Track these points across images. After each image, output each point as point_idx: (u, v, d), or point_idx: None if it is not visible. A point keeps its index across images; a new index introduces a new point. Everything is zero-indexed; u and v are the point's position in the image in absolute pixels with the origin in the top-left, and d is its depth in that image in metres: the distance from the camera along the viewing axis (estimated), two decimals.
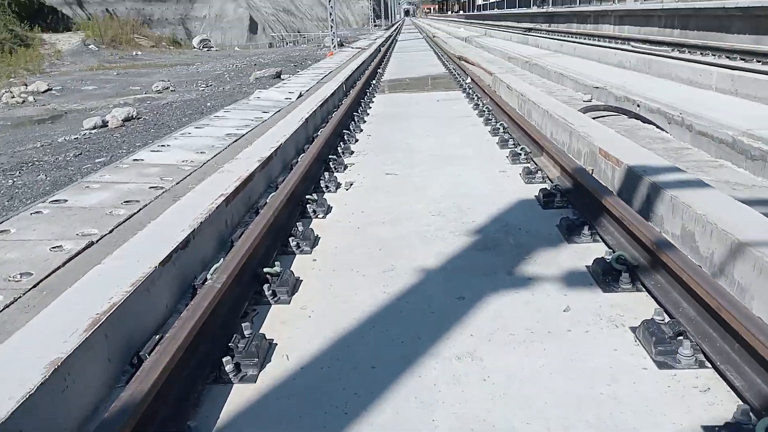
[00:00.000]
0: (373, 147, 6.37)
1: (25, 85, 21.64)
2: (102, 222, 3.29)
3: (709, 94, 8.40)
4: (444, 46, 22.59)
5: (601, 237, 3.41)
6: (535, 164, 4.92)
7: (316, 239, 3.68)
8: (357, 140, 6.73)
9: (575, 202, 3.95)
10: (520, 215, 3.95)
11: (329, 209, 4.28)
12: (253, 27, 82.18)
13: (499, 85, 9.71)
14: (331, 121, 6.97)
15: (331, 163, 5.39)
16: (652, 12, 20.83)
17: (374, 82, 12.21)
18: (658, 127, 7.15)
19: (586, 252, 3.29)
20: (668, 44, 16.59)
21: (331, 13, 28.39)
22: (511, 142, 5.91)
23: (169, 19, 75.82)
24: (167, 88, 19.86)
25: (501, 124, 6.65)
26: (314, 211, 4.13)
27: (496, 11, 68.33)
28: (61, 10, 56.83)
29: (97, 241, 3.06)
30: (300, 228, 3.66)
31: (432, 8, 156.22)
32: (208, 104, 13.39)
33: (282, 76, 18.32)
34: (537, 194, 4.24)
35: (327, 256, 3.43)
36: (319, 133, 6.46)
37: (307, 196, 4.20)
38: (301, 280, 3.09)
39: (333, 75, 12.39)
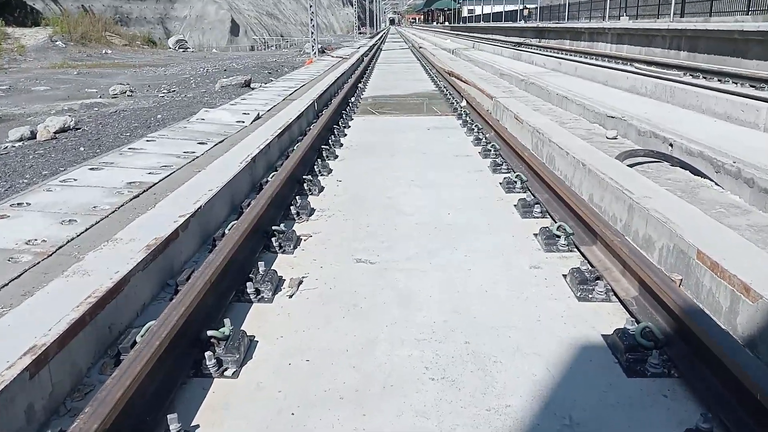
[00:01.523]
0: (341, 202, 4.58)
1: None
2: None
3: (757, 135, 6.77)
4: (431, 58, 20.97)
5: None
6: (588, 263, 3.17)
7: None
8: (322, 189, 4.94)
9: (695, 379, 2.17)
10: (590, 391, 2.18)
11: (249, 349, 2.47)
12: (234, 29, 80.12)
13: (503, 113, 7.99)
14: (289, 160, 5.17)
15: (275, 238, 3.58)
16: (656, 32, 19.43)
17: (353, 99, 10.44)
18: (716, 183, 5.52)
19: None
20: (676, 67, 15.12)
21: (312, 19, 26.62)
22: (537, 208, 4.15)
23: (147, 18, 73.49)
24: (125, 92, 17.88)
25: (518, 175, 4.88)
26: (218, 363, 2.31)
27: (482, 24, 67.23)
28: (32, 5, 54.28)
29: None
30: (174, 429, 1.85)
31: (417, 18, 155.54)
32: (159, 116, 11.51)
33: (252, 85, 16.48)
34: (611, 337, 2.47)
35: None
36: (269, 180, 4.65)
37: (211, 334, 2.37)
38: None
39: (306, 89, 10.60)
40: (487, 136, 6.88)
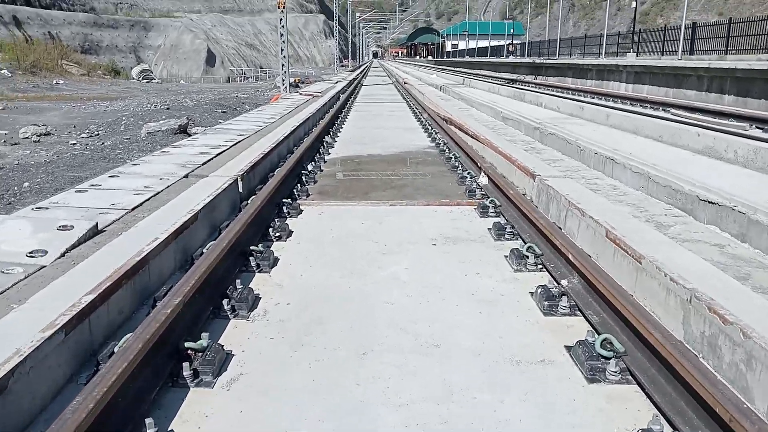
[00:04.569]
0: None
1: None
2: None
3: None
4: (419, 97, 17.64)
5: None
6: None
7: None
8: None
9: None
10: None
11: None
12: (210, 59, 77.08)
13: (568, 215, 4.41)
14: None
15: None
16: (690, 71, 16.29)
17: (310, 167, 6.83)
18: None
19: None
20: (732, 116, 11.81)
21: (282, 49, 23.25)
22: None
23: (119, 47, 70.27)
24: (37, 135, 14.18)
25: None
26: None
27: (467, 59, 64.69)
28: None
29: None
30: None
31: (400, 51, 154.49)
32: (26, 184, 7.86)
33: (193, 130, 12.87)
34: None
35: None
36: None
37: None
38: None
39: (242, 147, 7.01)
40: (563, 282, 3.30)
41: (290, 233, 4.45)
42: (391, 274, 3.61)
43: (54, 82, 34.93)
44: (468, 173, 6.37)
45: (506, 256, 3.92)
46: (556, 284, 3.30)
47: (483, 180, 5.93)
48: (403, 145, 8.80)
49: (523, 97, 17.98)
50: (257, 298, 3.22)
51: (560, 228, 4.34)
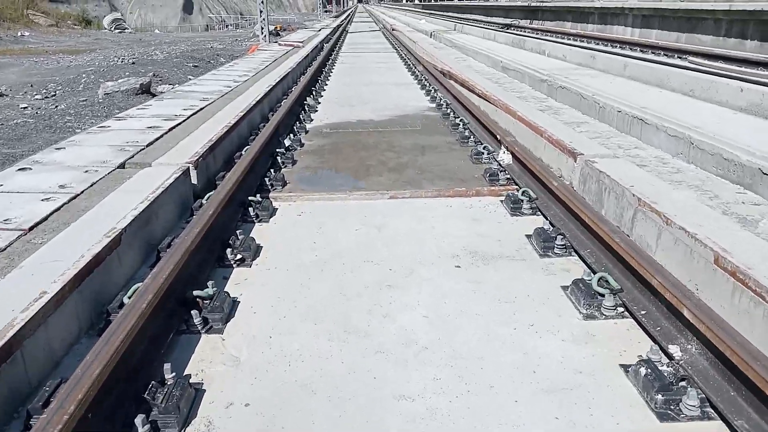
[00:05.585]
0: None
1: None
2: None
3: None
4: (411, 45, 16.17)
5: None
6: None
7: None
8: None
9: None
10: None
11: None
12: (188, 6, 73.58)
13: (644, 222, 3.21)
14: None
15: None
16: (706, 14, 14.84)
17: (288, 143, 5.52)
18: None
19: None
20: (763, 64, 10.50)
21: None
22: None
23: None
24: None
25: None
26: None
27: (456, 2, 61.90)
28: None
29: None
30: None
31: None
32: None
33: (160, 88, 11.40)
34: None
35: None
36: None
37: None
38: None
39: (206, 116, 5.70)
40: (674, 353, 2.14)
41: (257, 251, 3.23)
42: (404, 330, 2.43)
43: (19, 34, 32.64)
44: (484, 148, 5.12)
45: (565, 289, 2.75)
46: (661, 353, 2.14)
47: (505, 158, 4.70)
48: (397, 107, 7.49)
49: (523, 45, 16.54)
50: (197, 396, 2.03)
51: (628, 236, 3.16)
